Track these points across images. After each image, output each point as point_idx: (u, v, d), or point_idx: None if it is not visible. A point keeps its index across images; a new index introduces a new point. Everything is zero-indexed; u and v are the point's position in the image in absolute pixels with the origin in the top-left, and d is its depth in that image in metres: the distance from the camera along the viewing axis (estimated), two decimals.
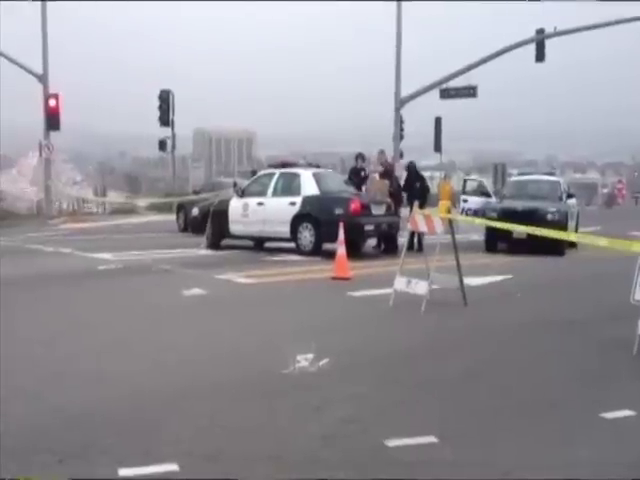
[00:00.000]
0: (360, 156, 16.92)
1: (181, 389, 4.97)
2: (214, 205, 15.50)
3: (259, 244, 14.96)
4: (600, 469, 3.71)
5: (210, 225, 15.00)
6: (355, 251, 12.96)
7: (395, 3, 27.77)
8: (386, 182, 15.53)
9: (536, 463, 3.78)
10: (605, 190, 58.26)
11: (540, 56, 26.56)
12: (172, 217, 22.02)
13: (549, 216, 14.74)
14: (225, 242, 15.02)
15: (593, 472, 3.66)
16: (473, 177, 28.00)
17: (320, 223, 13.37)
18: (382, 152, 17.88)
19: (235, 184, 16.76)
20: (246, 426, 4.25)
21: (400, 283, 8.30)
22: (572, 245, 14.79)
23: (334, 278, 10.28)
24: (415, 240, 13.45)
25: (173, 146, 28.92)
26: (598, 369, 5.73)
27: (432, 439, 4.03)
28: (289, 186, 14.32)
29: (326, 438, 4.05)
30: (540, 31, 26.77)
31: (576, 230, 16.35)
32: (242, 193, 14.91)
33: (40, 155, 27.74)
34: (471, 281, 9.47)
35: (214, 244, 14.85)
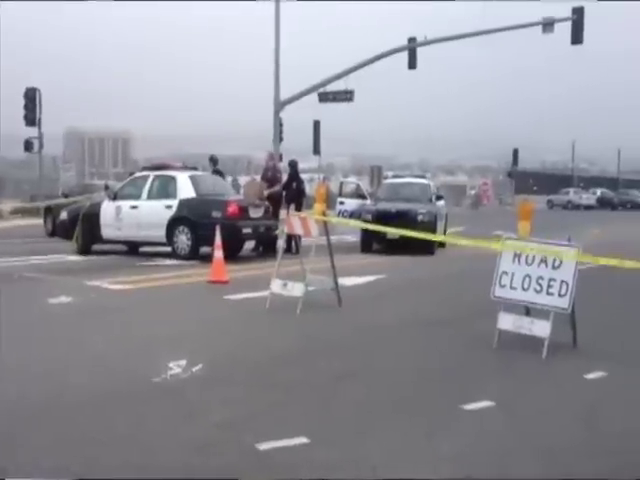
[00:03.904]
0: (212, 159, 16.75)
1: (47, 400, 4.73)
2: (85, 208, 14.89)
3: (133, 249, 14.53)
4: (459, 460, 3.90)
5: (80, 229, 14.39)
6: (233, 254, 12.89)
7: (273, 5, 27.82)
8: (263, 184, 15.60)
9: (403, 457, 3.93)
10: (472, 192, 61.51)
11: (412, 64, 27.66)
12: (39, 221, 20.95)
13: (419, 217, 15.41)
14: (97, 247, 14.45)
15: (455, 463, 3.85)
16: (350, 180, 28.69)
17: (197, 226, 13.17)
18: (271, 155, 17.90)
19: (107, 187, 16.20)
20: (115, 436, 4.12)
21: (276, 285, 8.34)
22: (441, 244, 15.53)
23: (211, 282, 10.16)
24: (293, 242, 13.57)
25: (40, 146, 27.42)
26: (461, 364, 6.03)
27: (304, 440, 4.08)
28: (165, 189, 14.01)
29: (198, 445, 4.00)
30: (412, 39, 27.89)
31: (445, 230, 17.19)
32: (115, 196, 14.43)
33: None
34: (346, 282, 9.70)
35: (84, 249, 14.26)
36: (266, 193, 15.16)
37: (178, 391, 5.03)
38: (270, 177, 15.83)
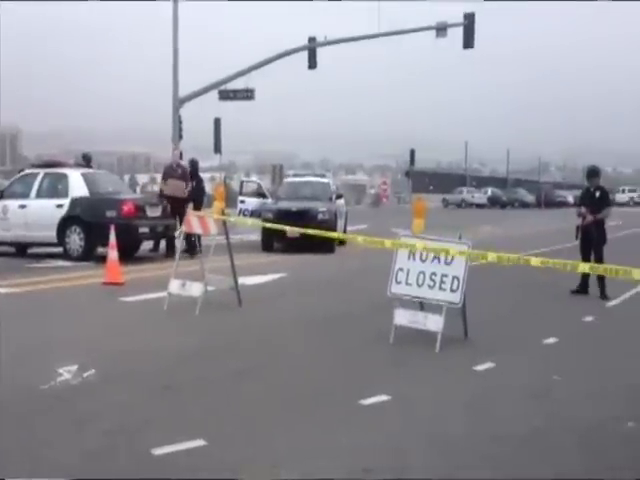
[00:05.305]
0: (85, 157, 16.10)
1: None
2: None
3: (22, 250, 13.84)
4: (357, 454, 3.97)
5: None
6: (129, 255, 12.52)
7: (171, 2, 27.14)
8: (181, 183, 15.15)
9: (301, 454, 3.94)
10: (372, 190, 62.86)
11: (312, 63, 27.87)
12: None
13: (319, 216, 15.56)
14: None
15: (352, 457, 3.91)
16: (251, 179, 28.56)
17: (90, 226, 12.68)
18: (178, 153, 17.42)
19: None
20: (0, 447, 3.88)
21: (174, 286, 8.17)
22: (342, 242, 15.75)
23: (105, 284, 9.83)
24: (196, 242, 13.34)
25: None
26: (359, 359, 6.14)
27: (201, 442, 4.01)
28: (55, 187, 13.42)
29: (88, 453, 3.86)
30: (312, 39, 28.10)
31: (345, 228, 17.46)
32: (1, 195, 13.74)
33: None
34: (247, 281, 9.66)
35: None
36: (187, 191, 14.69)
37: (67, 398, 4.82)
38: (180, 175, 15.24)
